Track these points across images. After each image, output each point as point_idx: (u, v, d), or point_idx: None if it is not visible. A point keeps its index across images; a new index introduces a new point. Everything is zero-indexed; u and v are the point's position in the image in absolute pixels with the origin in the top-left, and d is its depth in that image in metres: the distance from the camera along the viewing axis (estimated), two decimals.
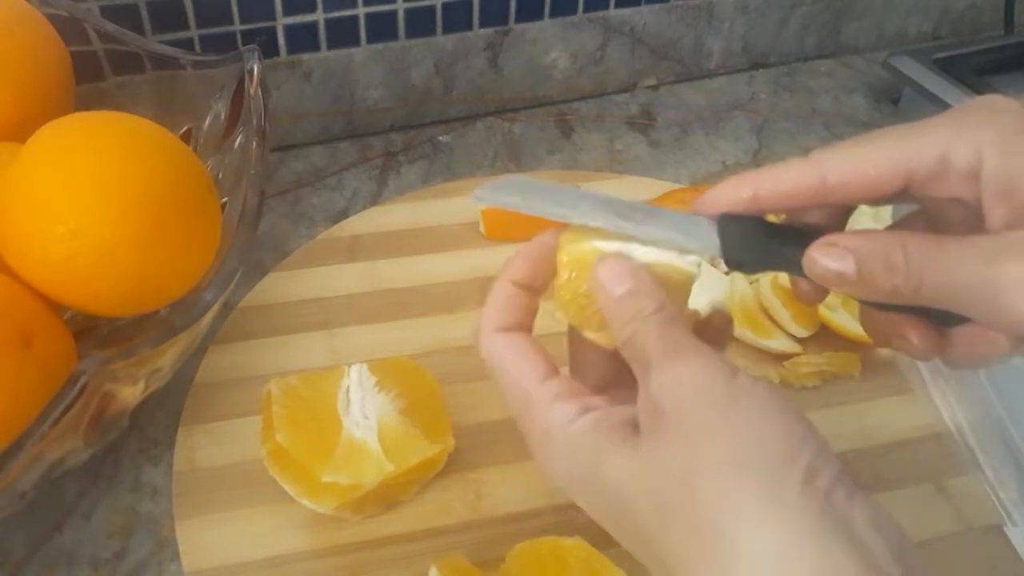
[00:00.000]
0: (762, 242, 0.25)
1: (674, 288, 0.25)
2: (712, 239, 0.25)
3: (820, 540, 0.19)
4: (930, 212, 0.26)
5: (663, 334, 0.23)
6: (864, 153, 0.24)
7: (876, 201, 0.25)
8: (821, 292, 0.26)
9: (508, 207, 0.26)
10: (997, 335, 0.23)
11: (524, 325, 0.26)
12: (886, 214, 0.47)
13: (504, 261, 0.26)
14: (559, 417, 0.23)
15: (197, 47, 0.50)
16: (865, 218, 0.43)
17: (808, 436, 0.21)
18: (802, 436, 0.20)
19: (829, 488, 0.20)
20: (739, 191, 0.25)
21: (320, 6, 0.51)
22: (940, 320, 0.24)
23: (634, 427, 0.22)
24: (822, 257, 0.23)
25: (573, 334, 0.27)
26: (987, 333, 0.23)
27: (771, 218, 0.25)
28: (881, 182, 0.24)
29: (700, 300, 0.28)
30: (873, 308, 0.25)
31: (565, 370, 0.26)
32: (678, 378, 0.22)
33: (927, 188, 0.23)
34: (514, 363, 0.25)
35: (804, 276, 0.24)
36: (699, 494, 0.20)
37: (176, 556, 0.34)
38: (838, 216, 0.27)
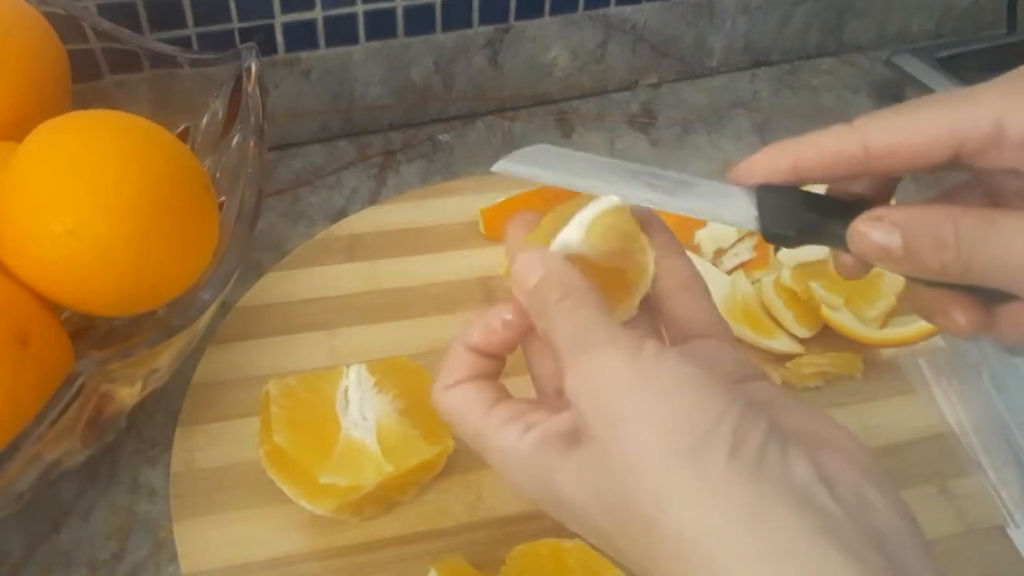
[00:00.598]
0: (803, 215, 0.24)
1: (622, 233, 0.24)
2: (750, 211, 0.24)
3: (756, 506, 0.18)
4: (984, 182, 0.24)
5: (568, 326, 0.22)
6: (910, 120, 0.23)
7: (923, 171, 0.23)
8: (864, 267, 0.25)
9: (531, 178, 0.25)
10: None
11: (475, 379, 0.25)
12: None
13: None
14: (507, 440, 0.23)
15: (195, 45, 0.50)
16: None
17: (727, 404, 0.20)
18: (719, 406, 0.19)
19: (759, 451, 0.19)
20: (778, 160, 0.24)
21: (318, 4, 0.51)
22: (988, 296, 0.23)
23: (574, 436, 0.22)
24: (868, 231, 0.22)
25: (527, 345, 0.26)
26: None
27: (811, 188, 0.24)
28: (928, 151, 0.22)
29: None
30: (919, 283, 0.24)
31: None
32: (582, 376, 0.21)
33: (979, 158, 0.22)
34: (460, 411, 0.24)
35: (847, 250, 0.23)
36: (633, 490, 0.19)
37: (174, 557, 0.34)
38: (884, 187, 0.26)
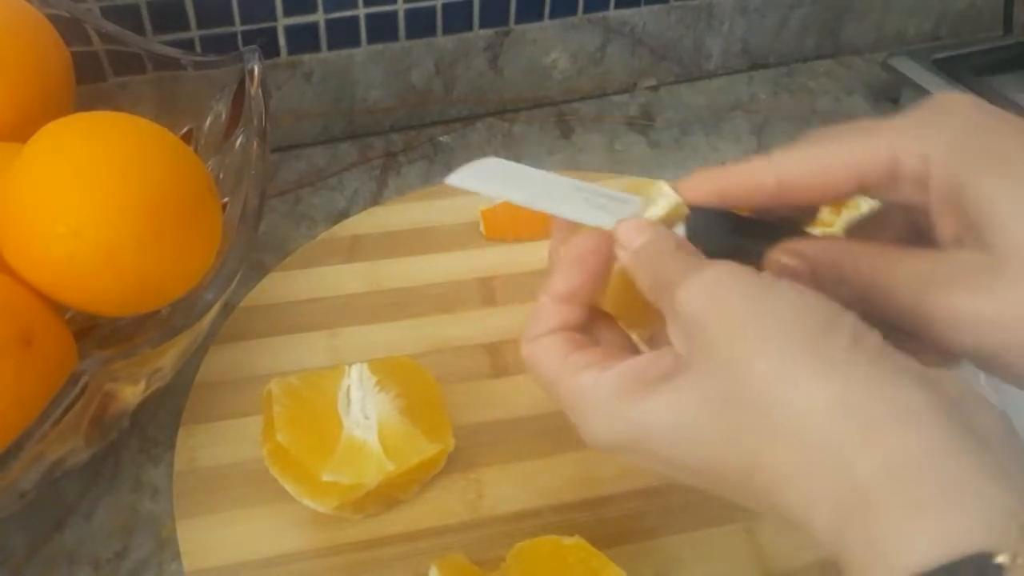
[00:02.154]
0: (726, 236, 0.25)
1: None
2: (678, 230, 0.25)
3: (875, 378, 0.18)
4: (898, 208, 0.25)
5: (684, 260, 0.23)
6: (816, 155, 0.24)
7: (835, 202, 0.25)
8: None
9: (481, 192, 0.26)
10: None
11: (559, 330, 0.25)
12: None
13: (552, 264, 0.26)
14: (585, 382, 0.23)
15: (198, 48, 0.50)
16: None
17: (844, 309, 0.20)
18: (838, 308, 0.20)
19: (878, 347, 0.19)
20: (706, 187, 0.25)
21: (320, 7, 0.51)
22: None
23: (661, 372, 0.22)
24: (783, 261, 0.24)
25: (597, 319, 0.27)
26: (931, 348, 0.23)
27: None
28: (833, 185, 0.24)
29: None
30: None
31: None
32: (704, 282, 0.21)
33: (879, 192, 0.23)
34: (539, 359, 0.24)
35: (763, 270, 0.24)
36: (752, 381, 0.19)
37: (177, 556, 0.35)
38: (810, 208, 0.27)
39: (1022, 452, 0.19)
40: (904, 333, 0.22)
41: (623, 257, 0.24)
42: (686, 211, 0.25)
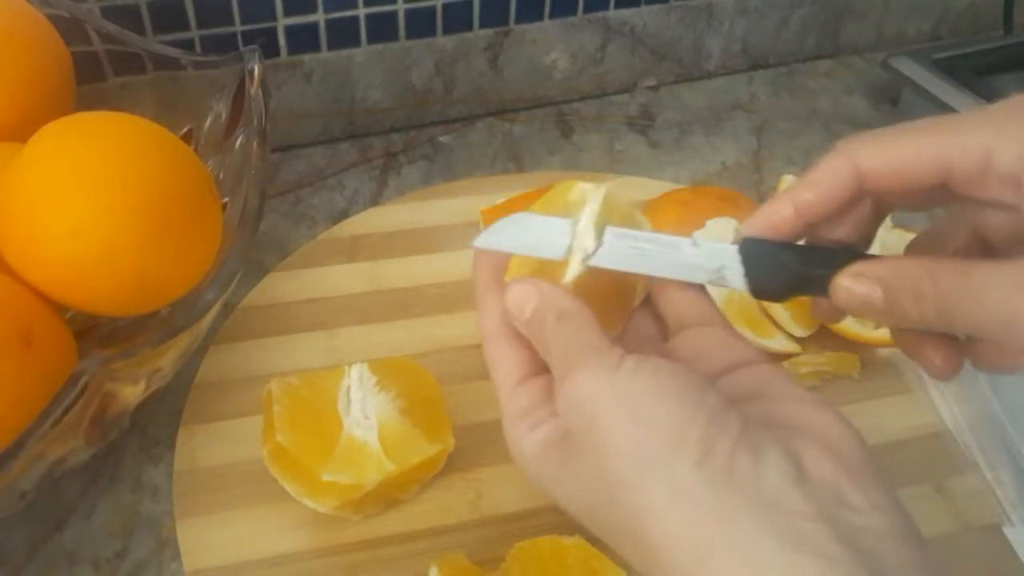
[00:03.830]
0: (787, 268, 0.24)
1: (625, 217, 0.25)
2: (736, 269, 0.25)
3: (723, 515, 0.19)
4: (970, 218, 0.25)
5: (561, 348, 0.23)
6: (901, 142, 0.23)
7: (915, 197, 0.24)
8: (841, 313, 0.26)
9: (512, 251, 0.25)
10: None
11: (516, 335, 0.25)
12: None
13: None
14: (516, 437, 0.23)
15: (198, 48, 0.50)
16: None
17: (695, 411, 0.20)
18: (688, 414, 0.20)
19: (728, 457, 0.19)
20: (781, 212, 0.24)
21: (320, 7, 0.51)
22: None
23: (571, 441, 0.22)
24: (851, 286, 0.23)
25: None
26: (1015, 353, 0.23)
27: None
28: (917, 175, 0.23)
29: None
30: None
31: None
32: (568, 396, 0.22)
33: (967, 188, 0.23)
34: (494, 373, 0.25)
35: (829, 299, 0.24)
36: (616, 504, 0.20)
37: (177, 555, 0.35)
38: (866, 231, 0.26)
39: (897, 545, 0.19)
40: (989, 342, 0.22)
41: (519, 327, 0.24)
42: (614, 207, 0.25)
